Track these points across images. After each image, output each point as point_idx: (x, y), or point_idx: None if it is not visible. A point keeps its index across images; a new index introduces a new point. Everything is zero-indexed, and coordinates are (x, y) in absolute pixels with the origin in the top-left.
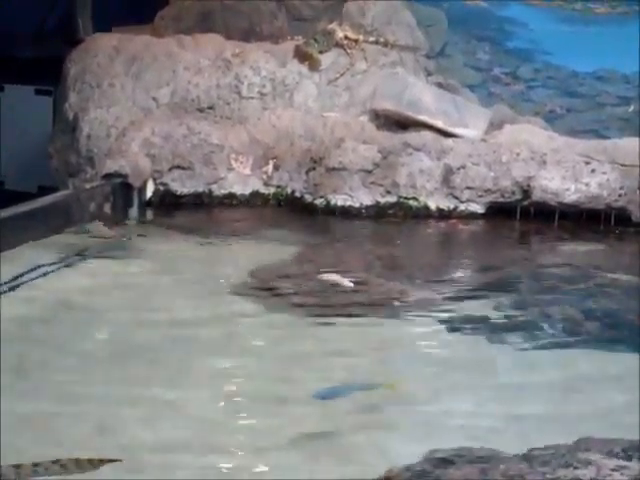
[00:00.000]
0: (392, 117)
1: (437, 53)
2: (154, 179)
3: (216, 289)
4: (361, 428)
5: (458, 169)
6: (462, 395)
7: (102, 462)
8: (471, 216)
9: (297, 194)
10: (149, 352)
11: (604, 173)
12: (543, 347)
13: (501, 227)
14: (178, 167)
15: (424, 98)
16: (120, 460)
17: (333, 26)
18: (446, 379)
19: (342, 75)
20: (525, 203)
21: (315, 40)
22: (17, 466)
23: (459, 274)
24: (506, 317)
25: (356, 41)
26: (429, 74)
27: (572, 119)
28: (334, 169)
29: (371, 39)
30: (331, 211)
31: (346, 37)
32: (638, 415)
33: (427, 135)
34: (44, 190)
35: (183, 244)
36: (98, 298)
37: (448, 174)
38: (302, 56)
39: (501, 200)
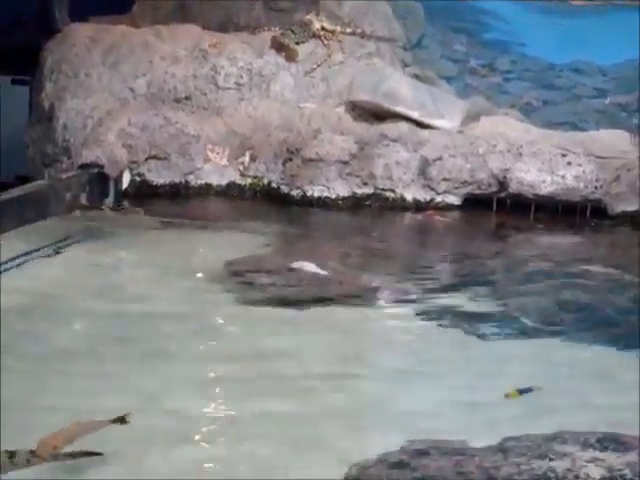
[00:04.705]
0: (369, 108)
1: (414, 45)
2: (130, 169)
3: (191, 279)
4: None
5: (435, 161)
6: (433, 384)
7: (82, 454)
8: (447, 208)
9: (274, 185)
10: (124, 342)
11: (580, 165)
12: (517, 338)
13: (477, 219)
14: (154, 157)
15: (401, 89)
16: (101, 454)
17: (310, 17)
18: (418, 368)
19: (319, 66)
20: (501, 195)
21: (292, 31)
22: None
23: (434, 265)
24: (481, 308)
25: (333, 32)
26: (406, 65)
27: (549, 111)
28: (311, 160)
29: (348, 30)
30: (308, 202)
31: (323, 28)
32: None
33: (403, 126)
34: (22, 180)
35: (159, 234)
36: (72, 287)
37: (425, 166)
38: (279, 47)
39: (477, 192)
